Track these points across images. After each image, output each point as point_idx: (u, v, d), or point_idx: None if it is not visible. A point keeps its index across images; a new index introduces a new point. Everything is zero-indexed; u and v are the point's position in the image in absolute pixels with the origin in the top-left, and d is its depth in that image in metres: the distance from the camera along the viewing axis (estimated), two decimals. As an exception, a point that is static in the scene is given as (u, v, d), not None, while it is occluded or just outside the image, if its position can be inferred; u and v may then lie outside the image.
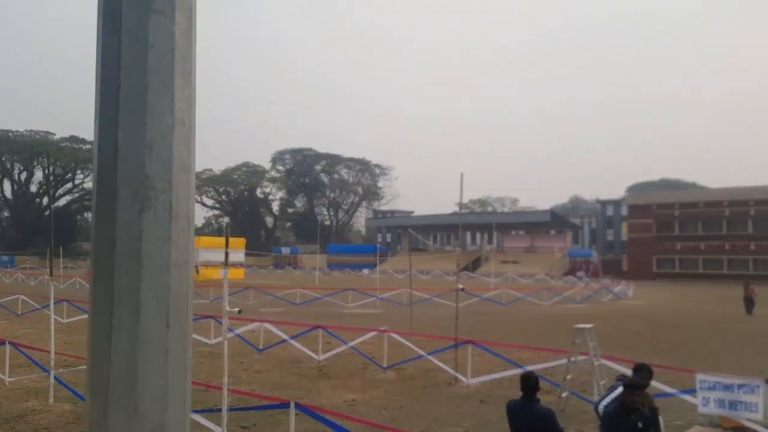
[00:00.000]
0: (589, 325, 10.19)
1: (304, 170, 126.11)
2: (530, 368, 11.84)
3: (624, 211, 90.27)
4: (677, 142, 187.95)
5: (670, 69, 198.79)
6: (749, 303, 29.25)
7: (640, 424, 5.15)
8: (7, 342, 11.33)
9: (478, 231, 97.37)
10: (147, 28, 1.63)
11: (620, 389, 5.62)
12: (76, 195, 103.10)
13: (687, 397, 9.44)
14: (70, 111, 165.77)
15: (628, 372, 9.80)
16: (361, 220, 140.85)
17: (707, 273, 73.64)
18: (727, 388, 8.05)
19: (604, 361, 10.16)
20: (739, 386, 7.97)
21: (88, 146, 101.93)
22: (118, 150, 1.61)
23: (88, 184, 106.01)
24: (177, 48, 1.68)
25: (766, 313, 27.47)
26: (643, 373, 6.00)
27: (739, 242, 73.08)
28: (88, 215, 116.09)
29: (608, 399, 5.61)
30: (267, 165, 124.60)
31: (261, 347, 15.32)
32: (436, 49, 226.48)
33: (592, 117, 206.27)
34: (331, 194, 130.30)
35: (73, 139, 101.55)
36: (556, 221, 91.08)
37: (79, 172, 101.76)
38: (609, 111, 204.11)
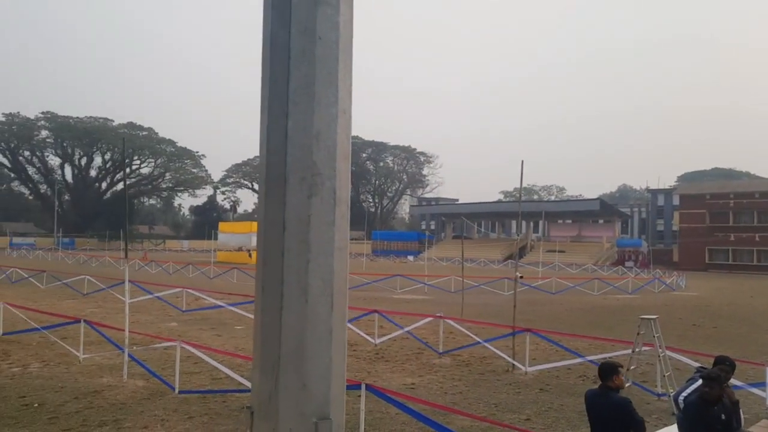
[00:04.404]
0: (654, 316, 9.99)
1: (351, 158, 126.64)
2: (590, 358, 11.76)
3: (675, 201, 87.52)
4: (728, 131, 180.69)
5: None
6: None
7: (723, 416, 5.06)
8: (81, 320, 11.88)
9: (524, 219, 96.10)
10: (315, 20, 1.68)
11: (699, 381, 5.52)
12: (133, 180, 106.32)
13: (756, 391, 9.21)
14: (127, 98, 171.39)
15: (693, 363, 9.61)
16: (405, 208, 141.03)
17: (762, 266, 70.84)
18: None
19: (668, 353, 9.96)
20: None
21: (144, 133, 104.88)
22: (288, 138, 1.68)
23: (144, 170, 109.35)
24: (341, 39, 1.73)
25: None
26: (725, 365, 5.85)
27: (797, 234, 69.98)
28: (144, 199, 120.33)
29: (688, 390, 5.51)
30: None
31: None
32: (481, 33, 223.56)
33: (641, 110, 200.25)
34: (377, 182, 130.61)
35: (131, 125, 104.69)
36: (605, 210, 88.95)
37: (136, 158, 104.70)
38: (657, 106, 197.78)
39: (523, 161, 12.50)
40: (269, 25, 1.72)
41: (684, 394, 5.55)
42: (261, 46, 1.76)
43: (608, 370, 4.85)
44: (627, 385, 9.76)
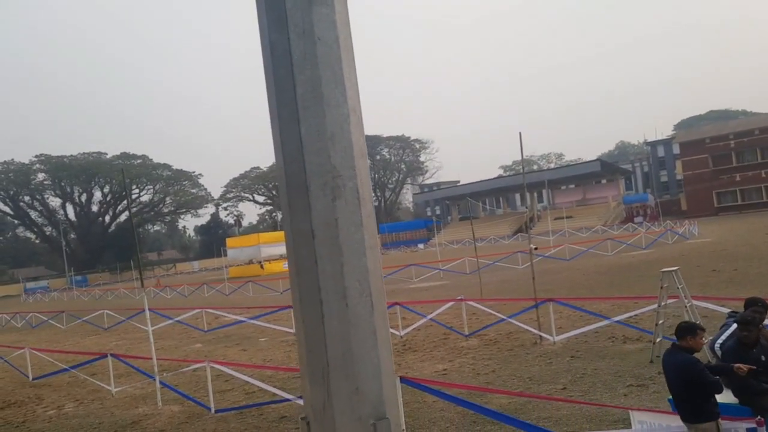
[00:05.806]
0: (674, 268, 9.94)
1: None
2: (616, 319, 11.73)
3: (676, 150, 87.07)
4: (718, 71, 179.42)
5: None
6: None
7: (763, 358, 5.03)
8: (109, 355, 11.93)
9: (528, 191, 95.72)
10: (312, 21, 1.64)
11: (734, 326, 5.49)
12: (135, 208, 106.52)
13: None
14: (114, 129, 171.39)
15: (721, 310, 9.57)
16: (408, 197, 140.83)
17: (772, 201, 70.67)
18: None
19: (694, 302, 9.92)
20: None
21: (139, 161, 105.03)
22: (303, 145, 1.65)
23: (145, 197, 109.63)
24: (340, 37, 1.69)
25: None
26: (757, 307, 5.81)
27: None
28: (148, 226, 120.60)
29: (723, 337, 5.49)
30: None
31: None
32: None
33: (628, 60, 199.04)
34: (376, 175, 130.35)
35: (125, 156, 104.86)
36: (606, 170, 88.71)
37: (134, 186, 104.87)
38: (645, 49, 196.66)
39: (521, 133, 12.44)
40: (267, 32, 1.69)
41: (719, 341, 5.53)
42: (261, 55, 1.72)
43: (682, 330, 4.80)
44: (658, 340, 9.74)
